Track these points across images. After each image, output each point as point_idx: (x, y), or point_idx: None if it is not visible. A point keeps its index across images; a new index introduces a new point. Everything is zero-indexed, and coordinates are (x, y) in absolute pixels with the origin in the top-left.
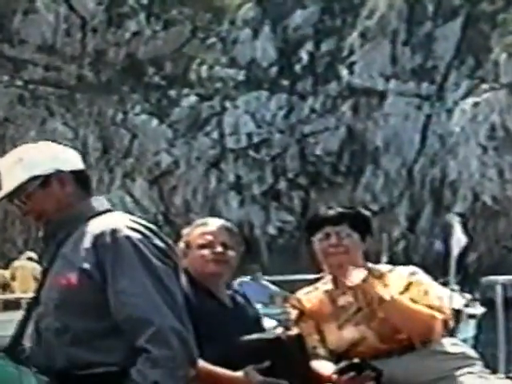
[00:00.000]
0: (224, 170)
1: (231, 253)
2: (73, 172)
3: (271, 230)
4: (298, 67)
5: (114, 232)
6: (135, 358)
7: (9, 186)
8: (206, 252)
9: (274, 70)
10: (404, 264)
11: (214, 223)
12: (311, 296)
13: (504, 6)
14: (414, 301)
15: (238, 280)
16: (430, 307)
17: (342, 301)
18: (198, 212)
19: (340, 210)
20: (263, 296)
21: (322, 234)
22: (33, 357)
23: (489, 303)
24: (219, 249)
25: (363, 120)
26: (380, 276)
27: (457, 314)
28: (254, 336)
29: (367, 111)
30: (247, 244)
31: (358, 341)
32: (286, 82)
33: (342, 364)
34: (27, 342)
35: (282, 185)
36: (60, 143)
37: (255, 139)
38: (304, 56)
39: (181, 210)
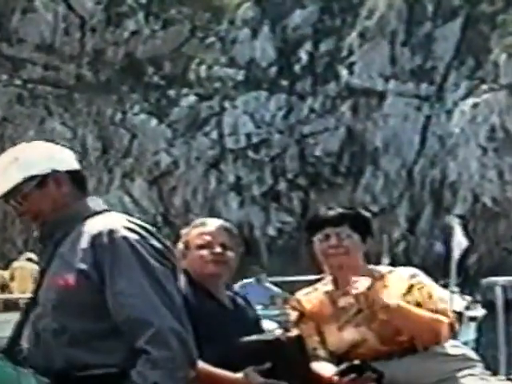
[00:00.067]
0: (224, 171)
1: (230, 253)
2: (69, 172)
3: (271, 231)
4: (297, 67)
5: (111, 232)
6: (134, 359)
7: (4, 186)
8: (204, 253)
9: (273, 70)
10: (404, 265)
11: (213, 223)
12: (311, 297)
13: (504, 6)
14: (418, 304)
15: (242, 282)
16: (435, 311)
17: (343, 302)
18: (197, 213)
19: (340, 210)
20: (265, 298)
21: (322, 235)
22: (31, 358)
23: (489, 305)
24: (218, 249)
25: (363, 120)
26: (380, 277)
27: (458, 316)
28: (254, 337)
29: (366, 112)
30: (247, 245)
31: (359, 342)
32: (285, 82)
33: (343, 366)
34: (25, 343)
35: (282, 186)
36: (58, 143)
37: (254, 139)
38: (303, 56)
39: (180, 210)
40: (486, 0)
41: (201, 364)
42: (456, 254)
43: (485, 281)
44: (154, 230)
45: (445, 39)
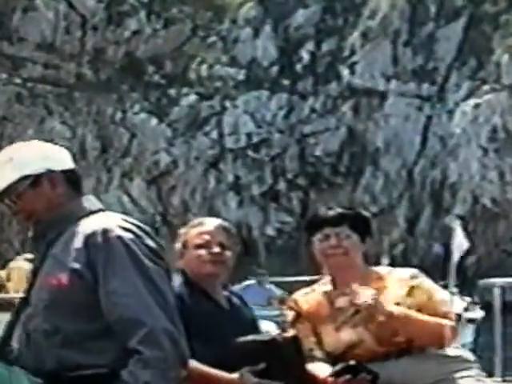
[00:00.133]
0: (223, 170)
1: (228, 253)
2: (64, 172)
3: (270, 231)
4: (298, 67)
5: (105, 232)
6: (126, 359)
7: None
8: (202, 252)
9: (275, 69)
10: (403, 266)
11: (211, 223)
12: (309, 297)
13: (506, 7)
14: (420, 307)
15: (243, 284)
16: (438, 314)
17: (340, 302)
18: (196, 212)
19: (340, 210)
20: (264, 299)
21: (322, 235)
22: (21, 358)
23: (487, 306)
24: (216, 249)
25: (364, 120)
26: (379, 278)
27: (457, 318)
28: (250, 337)
29: (368, 112)
30: (245, 245)
31: (356, 343)
32: (286, 82)
33: (338, 366)
34: (15, 344)
35: (282, 185)
36: (58, 142)
37: (255, 139)
38: (305, 56)
39: (179, 210)
40: (489, 0)
41: (195, 364)
42: (456, 255)
43: (482, 282)
44: (149, 229)
45: (447, 39)
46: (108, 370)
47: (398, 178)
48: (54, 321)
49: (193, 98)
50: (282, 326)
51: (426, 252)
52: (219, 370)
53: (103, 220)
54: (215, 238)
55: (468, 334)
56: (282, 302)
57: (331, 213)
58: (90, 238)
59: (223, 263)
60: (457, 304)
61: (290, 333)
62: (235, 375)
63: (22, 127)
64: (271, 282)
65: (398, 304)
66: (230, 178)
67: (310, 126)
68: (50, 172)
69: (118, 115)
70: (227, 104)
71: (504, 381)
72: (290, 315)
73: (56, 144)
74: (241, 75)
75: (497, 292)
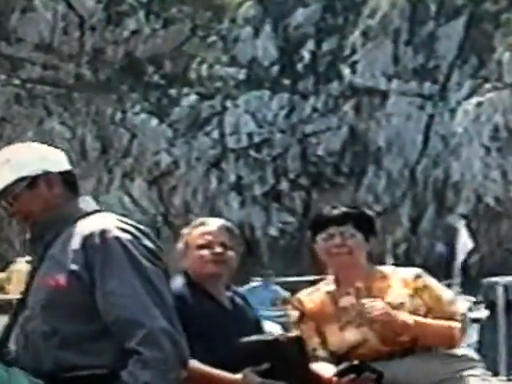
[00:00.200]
0: (225, 170)
1: (231, 253)
2: (60, 173)
3: (272, 231)
4: (299, 66)
5: (103, 233)
6: (125, 360)
7: None
8: (205, 252)
9: (276, 69)
10: (406, 266)
11: (214, 223)
12: (313, 297)
13: (507, 5)
14: (428, 308)
15: (249, 286)
16: (447, 315)
17: (344, 302)
18: (197, 213)
19: (344, 209)
20: (270, 300)
21: (326, 234)
22: (19, 360)
23: (490, 305)
24: (218, 249)
25: (365, 120)
26: (383, 277)
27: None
28: (253, 338)
29: (369, 111)
30: (248, 246)
31: (360, 343)
32: (287, 82)
33: (342, 366)
34: (13, 346)
35: (284, 185)
36: (57, 143)
37: (256, 139)
38: (305, 55)
39: (180, 210)
40: None
41: (198, 365)
42: (461, 255)
43: (486, 280)
44: (146, 230)
45: (448, 38)
46: (106, 370)
47: (401, 177)
48: (52, 322)
49: (193, 98)
50: (285, 327)
51: (429, 251)
52: (222, 371)
53: (101, 221)
54: (217, 238)
55: (473, 334)
56: (285, 302)
57: (336, 212)
58: (87, 239)
59: (225, 263)
60: (461, 304)
61: (294, 333)
62: (238, 375)
63: (21, 128)
64: (275, 283)
65: (401, 304)
66: (232, 178)
67: (312, 125)
68: (46, 173)
69: (118, 116)
70: (228, 104)
71: (509, 380)
72: (294, 315)
73: (56, 145)
74: (241, 75)
75: (500, 291)
